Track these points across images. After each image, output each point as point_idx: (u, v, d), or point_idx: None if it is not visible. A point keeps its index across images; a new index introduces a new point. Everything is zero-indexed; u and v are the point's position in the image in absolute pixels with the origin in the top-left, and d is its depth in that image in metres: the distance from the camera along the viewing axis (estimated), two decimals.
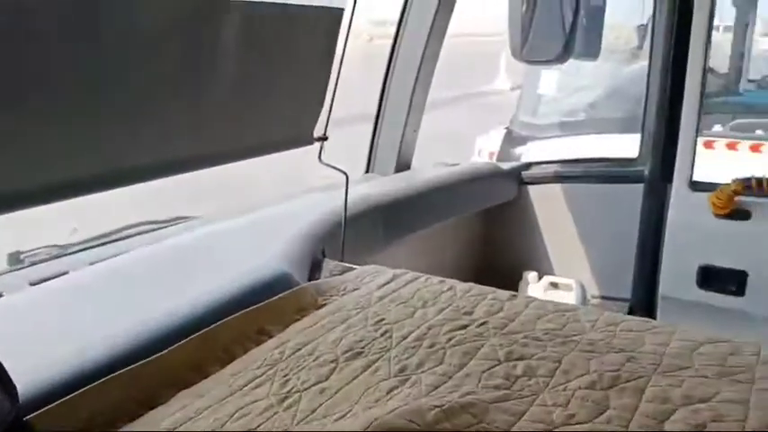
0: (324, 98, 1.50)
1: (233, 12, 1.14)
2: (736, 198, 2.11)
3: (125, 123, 1.05)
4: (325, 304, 1.26)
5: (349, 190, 1.63)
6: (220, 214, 1.84)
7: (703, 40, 2.15)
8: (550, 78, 4.07)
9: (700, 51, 2.16)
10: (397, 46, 2.32)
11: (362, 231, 1.81)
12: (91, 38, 0.91)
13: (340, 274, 1.45)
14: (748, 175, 2.11)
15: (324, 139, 1.54)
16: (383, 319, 1.17)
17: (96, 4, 0.90)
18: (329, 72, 1.48)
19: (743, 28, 5.04)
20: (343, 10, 1.38)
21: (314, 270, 1.49)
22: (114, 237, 1.62)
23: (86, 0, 0.89)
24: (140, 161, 1.11)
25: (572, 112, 4.31)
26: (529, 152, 3.64)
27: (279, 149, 1.43)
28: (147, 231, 1.67)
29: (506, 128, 4.14)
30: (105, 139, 1.03)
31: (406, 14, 2.29)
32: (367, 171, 2.45)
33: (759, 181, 2.07)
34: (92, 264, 1.41)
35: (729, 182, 2.12)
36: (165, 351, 1.02)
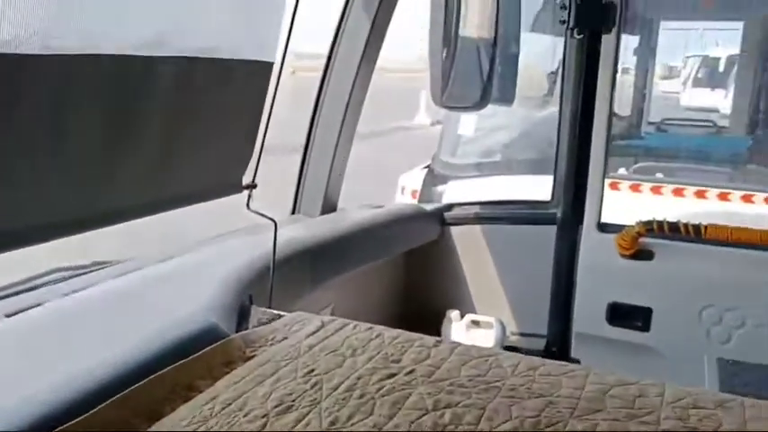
0: (253, 146, 1.52)
1: (163, 67, 1.14)
2: (640, 239, 2.26)
3: (60, 178, 1.03)
4: (254, 355, 1.26)
5: (278, 231, 1.64)
6: (144, 259, 1.80)
7: (609, 87, 2.29)
8: (469, 120, 4.23)
9: (605, 97, 2.29)
10: (325, 82, 2.34)
11: (290, 276, 1.82)
12: (27, 97, 0.90)
13: (268, 323, 1.45)
14: (650, 217, 2.27)
15: (252, 186, 1.55)
16: (313, 370, 1.19)
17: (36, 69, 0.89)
18: (259, 121, 1.50)
19: (643, 73, 5.43)
20: (272, 63, 1.41)
21: (242, 318, 1.48)
22: (27, 285, 1.55)
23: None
24: (75, 214, 1.09)
25: (490, 153, 4.49)
26: (450, 191, 3.76)
27: (208, 199, 1.43)
28: (63, 279, 1.61)
29: (428, 166, 4.27)
30: (38, 195, 1.01)
31: (335, 51, 2.33)
32: (293, 212, 2.47)
33: (660, 224, 2.23)
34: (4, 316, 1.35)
35: (633, 224, 2.27)
36: (86, 415, 0.98)
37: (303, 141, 2.43)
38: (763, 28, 4.05)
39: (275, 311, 1.51)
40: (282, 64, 1.58)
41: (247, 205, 1.56)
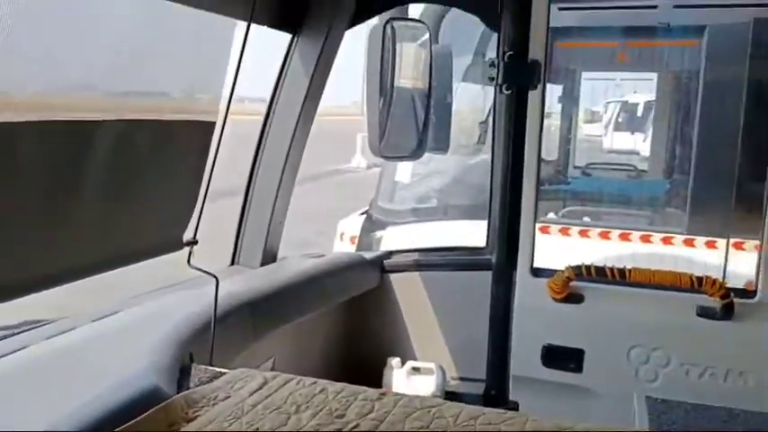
0: (195, 203, 1.52)
1: (104, 129, 1.15)
2: (571, 283, 2.36)
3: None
4: (197, 416, 1.25)
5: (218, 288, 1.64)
6: (79, 317, 1.75)
7: (536, 137, 2.38)
8: (406, 166, 4.33)
9: (534, 147, 2.37)
10: (266, 128, 2.36)
11: (230, 330, 1.80)
12: None
13: (210, 381, 1.44)
14: (579, 262, 2.37)
15: (193, 243, 1.55)
16: (257, 430, 1.19)
17: None
18: (200, 178, 1.52)
19: (568, 119, 5.71)
20: (214, 123, 1.44)
21: (183, 378, 1.46)
22: None
23: None
24: (16, 277, 1.07)
25: (426, 199, 4.60)
26: (388, 237, 3.81)
27: (148, 257, 1.43)
28: None
29: (366, 212, 4.33)
30: None
31: (276, 96, 2.35)
32: (233, 263, 2.46)
33: (588, 268, 2.33)
34: None
35: (564, 269, 2.37)
36: None
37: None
38: (675, 80, 4.37)
39: (217, 369, 1.50)
40: (225, 119, 1.61)
41: (188, 261, 1.55)
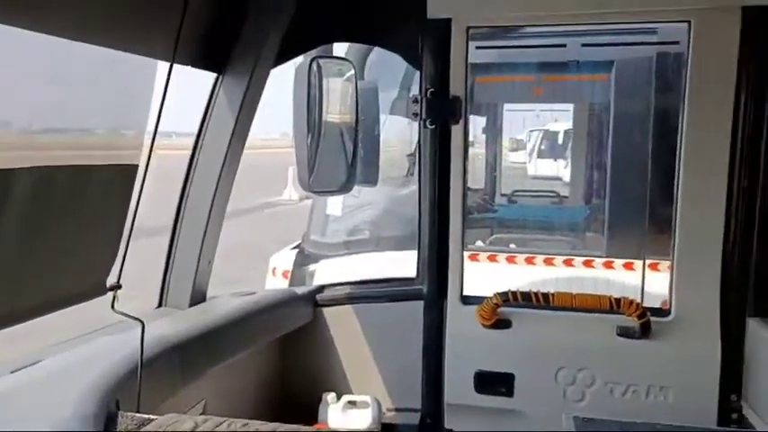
0: (118, 248, 1.50)
1: (22, 176, 1.13)
2: (499, 309, 2.43)
3: None
4: None
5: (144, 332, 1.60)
6: None
7: (461, 169, 2.45)
8: (337, 199, 4.37)
9: (459, 179, 2.44)
10: (193, 164, 2.34)
11: (158, 375, 1.76)
12: None
13: (137, 428, 1.40)
14: (506, 289, 2.45)
15: (117, 287, 1.52)
16: None
17: None
18: (123, 222, 1.49)
19: (493, 149, 5.90)
20: (137, 166, 1.43)
21: (109, 426, 1.42)
22: None
23: None
24: None
25: (358, 231, 4.64)
26: (321, 270, 3.82)
27: (71, 304, 1.39)
28: None
29: (298, 246, 4.32)
30: None
31: (203, 131, 2.34)
32: (160, 304, 2.40)
33: (514, 294, 2.41)
34: None
35: (491, 296, 2.44)
36: None
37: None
38: (589, 111, 4.61)
39: (144, 416, 1.47)
40: (149, 159, 1.60)
41: (112, 306, 1.52)
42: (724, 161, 2.21)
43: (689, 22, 2.18)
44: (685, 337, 2.29)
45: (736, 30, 2.13)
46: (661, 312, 2.36)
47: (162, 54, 1.65)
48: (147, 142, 1.60)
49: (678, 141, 2.26)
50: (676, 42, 3.06)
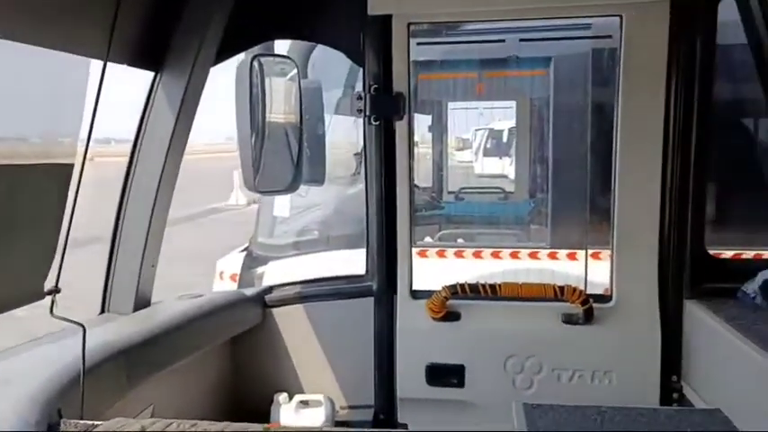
0: (54, 251, 1.45)
1: None
2: (448, 302, 2.46)
3: None
4: None
5: (87, 333, 1.56)
6: None
7: (407, 165, 2.47)
8: (284, 200, 4.33)
9: (405, 175, 2.47)
10: (132, 168, 2.28)
11: (103, 380, 1.71)
12: None
13: None
14: (455, 282, 2.48)
15: (56, 291, 1.47)
16: None
17: None
18: (60, 224, 1.45)
19: (439, 147, 5.96)
20: (72, 165, 1.39)
21: None
22: None
23: None
24: None
25: (306, 231, 4.61)
26: (270, 272, 3.77)
27: (7, 309, 1.34)
28: None
29: (246, 249, 4.26)
30: None
31: (141, 134, 2.28)
32: (102, 311, 2.33)
33: (462, 286, 2.45)
34: None
35: (440, 289, 2.47)
36: None
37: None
38: (531, 107, 4.72)
39: (89, 422, 1.42)
40: (84, 161, 1.55)
41: (51, 311, 1.47)
42: (657, 152, 2.30)
43: (620, 16, 2.25)
44: (626, 322, 2.37)
45: (666, 23, 2.22)
46: (603, 299, 2.43)
47: (95, 52, 1.61)
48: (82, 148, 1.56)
49: (614, 134, 2.34)
50: (609, 36, 3.17)
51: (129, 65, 2.11)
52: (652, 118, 2.28)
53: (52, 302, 1.46)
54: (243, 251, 4.25)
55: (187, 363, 2.22)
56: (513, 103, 5.35)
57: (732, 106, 3.30)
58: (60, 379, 1.52)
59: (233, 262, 4.11)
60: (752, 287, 2.20)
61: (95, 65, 1.67)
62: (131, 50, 2.08)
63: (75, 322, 1.50)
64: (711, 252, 2.40)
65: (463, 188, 6.02)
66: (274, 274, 3.81)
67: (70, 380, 1.54)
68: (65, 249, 1.50)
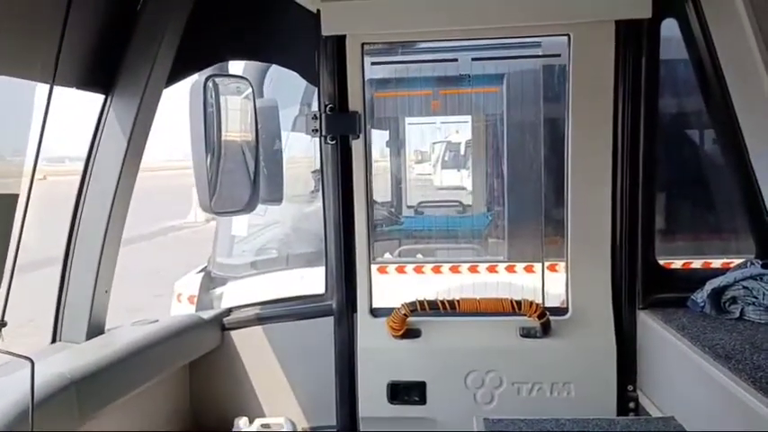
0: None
1: None
2: (408, 319, 2.47)
3: None
4: None
5: (37, 365, 1.51)
6: None
7: (364, 183, 2.47)
8: (242, 219, 4.28)
9: (362, 193, 2.47)
10: (84, 189, 2.23)
11: (53, 414, 1.66)
12: None
13: None
14: (414, 299, 2.49)
15: (2, 324, 1.42)
16: None
17: None
18: (5, 255, 1.40)
19: (397, 161, 5.98)
20: (17, 195, 1.35)
21: None
22: None
23: None
24: None
25: (265, 250, 4.57)
26: (229, 293, 3.72)
27: None
28: None
29: (204, 269, 4.19)
30: None
31: (93, 155, 2.23)
32: (54, 340, 2.26)
33: (422, 303, 2.46)
34: None
35: (399, 306, 2.47)
36: None
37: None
38: (485, 122, 4.79)
39: None
40: (31, 186, 1.52)
41: None
42: (607, 166, 2.36)
43: (568, 35, 2.32)
44: (583, 334, 2.42)
45: (611, 41, 2.30)
46: (560, 311, 2.48)
47: (40, 76, 1.57)
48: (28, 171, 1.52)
49: (565, 149, 2.39)
50: (558, 55, 3.25)
51: (78, 88, 2.07)
52: (600, 134, 2.35)
53: None
54: (200, 272, 4.19)
55: (144, 390, 2.17)
56: (468, 118, 5.41)
57: (677, 119, 3.42)
58: (7, 416, 1.47)
59: (191, 283, 4.04)
60: (700, 296, 2.27)
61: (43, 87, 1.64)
62: (79, 74, 2.04)
63: (22, 356, 1.45)
64: (662, 262, 2.47)
65: (422, 202, 6.04)
66: (234, 294, 3.76)
67: (17, 416, 1.49)
68: (11, 282, 1.45)
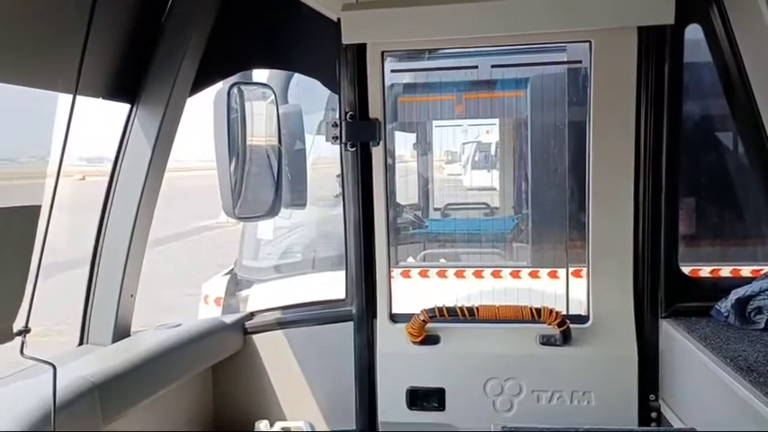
0: (23, 291, 1.45)
1: None
2: (427, 326, 2.48)
3: None
4: None
5: (62, 368, 1.56)
6: None
7: (384, 190, 2.48)
8: (268, 222, 4.33)
9: (383, 199, 2.48)
10: (111, 193, 2.29)
11: (76, 418, 1.72)
12: None
13: None
14: (433, 305, 2.49)
15: (26, 331, 1.47)
16: None
17: None
18: (28, 263, 1.45)
19: (425, 163, 5.97)
20: (39, 206, 1.39)
21: None
22: None
23: None
24: None
25: (291, 253, 4.61)
26: (255, 295, 3.77)
27: None
28: None
29: (231, 272, 4.25)
30: None
31: (120, 158, 2.29)
32: (81, 342, 2.33)
33: (441, 309, 2.46)
34: None
35: (419, 312, 2.48)
36: None
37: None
38: (512, 126, 4.77)
39: None
40: (55, 191, 1.56)
41: (21, 352, 1.47)
42: (629, 172, 2.33)
43: (590, 42, 2.29)
44: (604, 342, 2.39)
45: (634, 47, 2.26)
46: (580, 319, 2.45)
47: (63, 87, 1.62)
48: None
49: (587, 153, 2.37)
50: (579, 62, 3.21)
51: (103, 98, 2.12)
52: (622, 141, 2.32)
53: (23, 343, 1.46)
54: (227, 274, 4.25)
55: (166, 393, 2.22)
56: (496, 121, 5.38)
57: (701, 124, 3.35)
58: (30, 420, 1.52)
59: (217, 285, 4.11)
60: (724, 306, 2.22)
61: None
62: (104, 84, 2.10)
63: (45, 361, 1.50)
64: (686, 269, 2.43)
65: (449, 204, 6.03)
66: (259, 297, 3.81)
67: (41, 418, 1.54)
68: (34, 289, 1.50)
